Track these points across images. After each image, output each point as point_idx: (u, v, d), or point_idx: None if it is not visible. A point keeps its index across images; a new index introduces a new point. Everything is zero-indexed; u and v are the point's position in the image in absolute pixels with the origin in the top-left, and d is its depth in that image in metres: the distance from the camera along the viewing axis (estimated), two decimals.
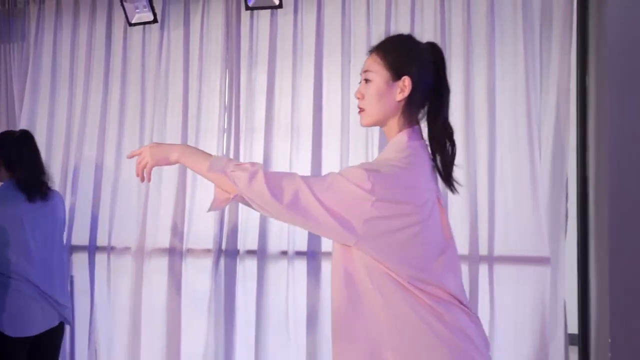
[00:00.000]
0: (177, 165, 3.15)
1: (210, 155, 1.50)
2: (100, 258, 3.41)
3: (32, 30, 3.64)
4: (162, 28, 3.43)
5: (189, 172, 3.29)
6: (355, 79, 3.03)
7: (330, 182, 1.36)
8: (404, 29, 2.99)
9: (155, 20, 3.36)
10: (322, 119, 3.12)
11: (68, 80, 3.58)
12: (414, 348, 1.35)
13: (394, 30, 3.01)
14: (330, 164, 3.07)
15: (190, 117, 3.36)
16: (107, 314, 3.37)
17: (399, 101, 1.44)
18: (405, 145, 1.42)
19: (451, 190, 1.46)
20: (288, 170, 3.11)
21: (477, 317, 1.47)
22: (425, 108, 1.49)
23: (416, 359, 1.35)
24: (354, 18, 3.13)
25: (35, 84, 3.62)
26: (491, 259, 2.78)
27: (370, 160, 2.98)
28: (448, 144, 1.44)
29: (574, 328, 2.84)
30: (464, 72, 2.90)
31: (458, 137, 2.79)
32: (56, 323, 2.75)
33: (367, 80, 1.48)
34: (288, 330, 3.07)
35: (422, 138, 1.47)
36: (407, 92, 1.43)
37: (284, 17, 3.24)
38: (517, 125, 2.84)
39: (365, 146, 3.04)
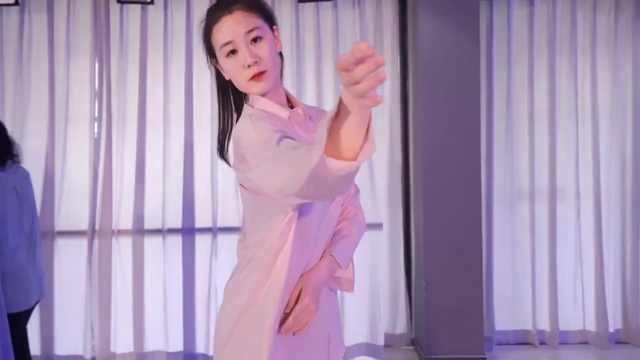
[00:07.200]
0: (42, 149, 3.25)
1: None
2: None
3: None
4: (22, 11, 3.41)
5: (58, 156, 3.38)
6: None
7: None
8: None
9: (16, 3, 3.33)
10: (192, 110, 3.46)
11: None
12: None
13: None
14: (202, 152, 3.45)
15: (57, 104, 3.41)
16: None
17: (279, 52, 1.33)
18: None
19: None
20: (162, 157, 3.42)
21: None
22: None
23: None
24: None
25: None
26: None
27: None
28: None
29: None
30: (316, 75, 3.50)
31: None
32: None
33: (256, 39, 1.28)
34: (165, 305, 3.38)
35: None
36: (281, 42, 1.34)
37: (155, 12, 3.48)
38: None
39: None
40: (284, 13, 3.52)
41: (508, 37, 3.66)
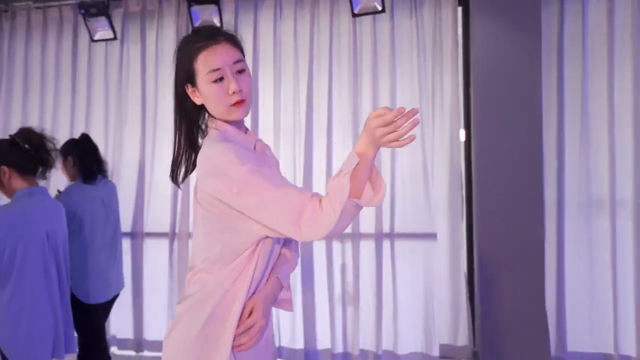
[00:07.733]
0: (136, 160, 3.75)
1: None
2: None
3: (4, 43, 4.14)
4: (122, 43, 3.97)
5: (147, 165, 3.88)
6: (283, 88, 3.65)
7: None
8: (325, 46, 3.63)
9: (115, 38, 3.89)
10: (258, 122, 3.74)
11: (39, 86, 4.08)
12: None
13: (317, 50, 3.64)
14: None
15: (147, 117, 3.91)
16: None
17: None
18: None
19: None
20: None
21: None
22: None
23: None
24: (282, 35, 3.72)
25: (9, 91, 4.12)
26: (392, 235, 3.51)
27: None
28: None
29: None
30: (371, 87, 3.56)
31: None
32: None
33: (241, 71, 1.41)
34: None
35: None
36: None
37: None
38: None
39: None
40: (342, 26, 3.64)
41: (582, 33, 3.37)
